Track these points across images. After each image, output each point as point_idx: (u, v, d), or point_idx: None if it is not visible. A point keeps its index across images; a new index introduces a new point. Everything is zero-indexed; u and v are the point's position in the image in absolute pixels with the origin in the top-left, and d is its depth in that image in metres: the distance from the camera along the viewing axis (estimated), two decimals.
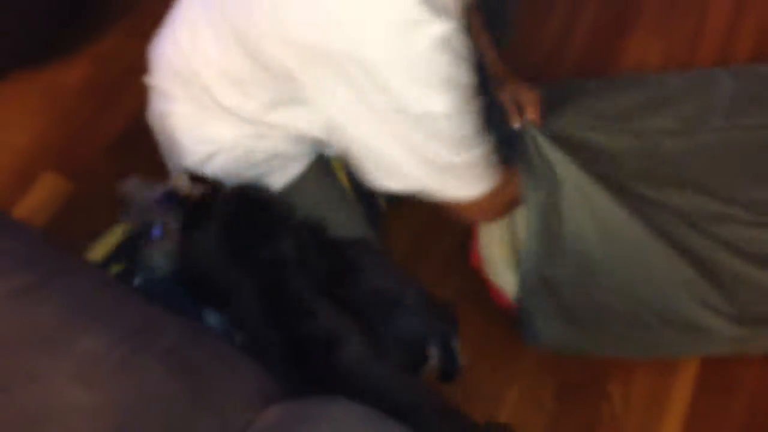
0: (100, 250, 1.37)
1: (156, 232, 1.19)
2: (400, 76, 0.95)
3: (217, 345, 1.05)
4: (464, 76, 0.99)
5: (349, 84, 0.98)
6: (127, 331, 0.99)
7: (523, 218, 1.38)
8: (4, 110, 1.75)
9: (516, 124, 1.41)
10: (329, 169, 1.38)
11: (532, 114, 1.42)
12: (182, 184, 1.21)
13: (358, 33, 0.94)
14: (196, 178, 1.23)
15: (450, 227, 1.60)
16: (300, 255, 1.14)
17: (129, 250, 1.39)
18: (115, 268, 1.31)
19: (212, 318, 1.26)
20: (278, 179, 1.31)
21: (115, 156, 1.69)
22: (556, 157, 1.36)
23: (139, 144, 1.67)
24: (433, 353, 1.21)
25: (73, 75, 1.78)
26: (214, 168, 1.28)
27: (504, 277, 1.42)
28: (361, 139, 1.08)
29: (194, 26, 1.19)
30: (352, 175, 1.36)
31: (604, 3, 1.95)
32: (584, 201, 1.36)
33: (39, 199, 1.62)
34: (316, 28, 0.96)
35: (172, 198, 1.21)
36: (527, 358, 1.46)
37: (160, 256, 1.21)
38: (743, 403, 1.42)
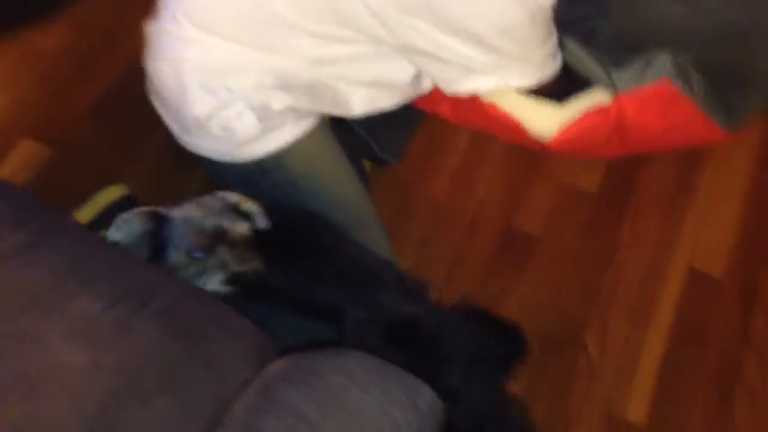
0: (87, 212, 1.38)
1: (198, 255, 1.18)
2: None
3: (213, 305, 1.04)
4: None
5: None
6: (122, 292, 0.99)
7: None
8: None
9: None
10: (329, 129, 1.39)
11: None
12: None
13: None
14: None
15: (431, 187, 1.63)
16: None
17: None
18: (103, 232, 1.32)
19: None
20: (287, 134, 1.30)
21: (95, 121, 1.66)
22: None
23: (120, 109, 1.66)
24: None
25: (51, 39, 1.74)
26: (224, 120, 1.26)
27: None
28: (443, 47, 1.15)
29: None
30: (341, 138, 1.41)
31: None
32: None
33: (17, 166, 1.60)
34: None
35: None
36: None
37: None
38: (715, 353, 1.48)
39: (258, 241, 1.18)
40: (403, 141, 1.55)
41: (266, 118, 1.26)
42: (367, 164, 1.55)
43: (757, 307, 1.52)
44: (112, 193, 1.43)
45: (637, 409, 1.42)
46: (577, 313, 1.51)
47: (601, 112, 1.39)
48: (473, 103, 1.37)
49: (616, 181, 1.64)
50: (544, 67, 1.26)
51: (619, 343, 1.49)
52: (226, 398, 0.96)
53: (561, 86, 1.32)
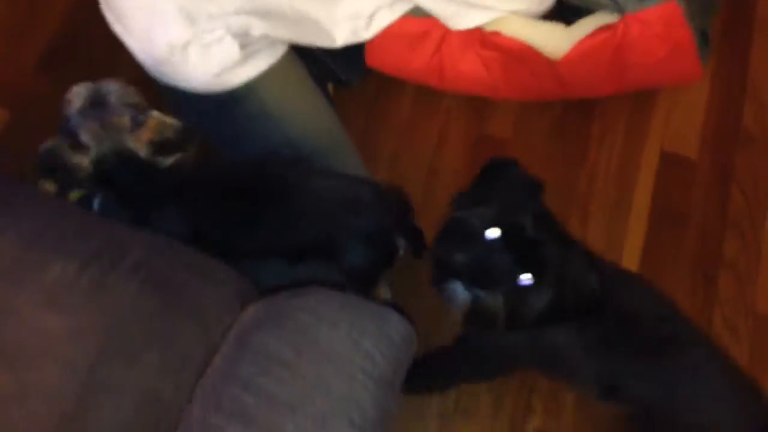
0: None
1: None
2: None
3: (186, 253, 1.04)
4: None
5: None
6: (93, 253, 0.98)
7: None
8: None
9: None
10: (295, 56, 1.38)
11: None
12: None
13: None
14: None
15: (396, 103, 1.60)
16: None
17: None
18: (74, 195, 1.29)
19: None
20: (262, 62, 1.29)
21: (48, 73, 1.59)
22: None
23: (72, 54, 1.59)
24: (401, 242, 1.25)
25: None
26: (203, 46, 1.23)
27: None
28: None
29: None
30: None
31: None
32: None
33: None
34: None
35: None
36: None
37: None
38: (695, 234, 1.50)
39: (223, 195, 1.18)
40: (363, 62, 1.51)
41: (245, 45, 1.24)
42: (330, 87, 1.52)
43: (734, 184, 1.53)
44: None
45: None
46: (556, 212, 1.51)
47: (609, 28, 1.40)
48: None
49: None
50: None
51: (600, 236, 1.49)
52: (213, 344, 0.97)
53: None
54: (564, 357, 1.12)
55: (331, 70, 1.50)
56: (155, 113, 1.20)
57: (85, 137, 1.16)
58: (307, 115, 1.34)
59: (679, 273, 1.46)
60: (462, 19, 1.33)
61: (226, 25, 1.21)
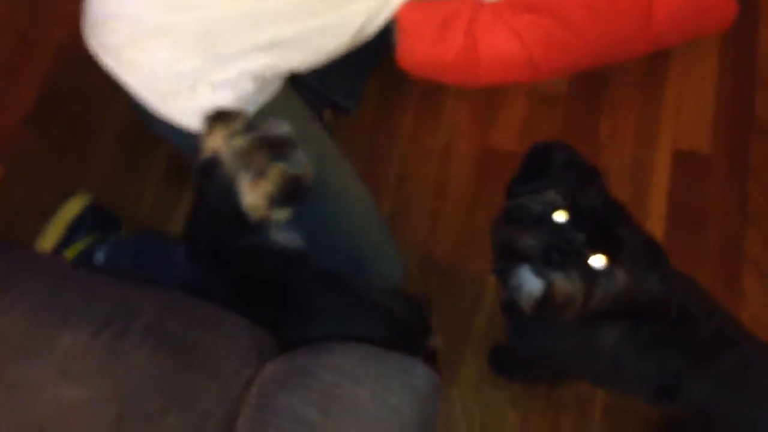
0: (52, 233, 1.32)
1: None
2: None
3: (198, 308, 1.02)
4: None
5: None
6: (103, 318, 0.96)
7: None
8: None
9: None
10: (291, 90, 1.34)
11: None
12: None
13: None
14: None
15: (397, 124, 1.57)
16: None
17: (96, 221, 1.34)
18: (74, 250, 1.27)
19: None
20: (261, 97, 1.25)
21: (36, 130, 1.58)
22: None
23: (58, 110, 1.58)
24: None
25: None
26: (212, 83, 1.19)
27: None
28: None
29: None
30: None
31: None
32: None
33: None
34: None
35: None
36: None
37: None
38: (715, 233, 1.46)
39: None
40: (359, 86, 1.49)
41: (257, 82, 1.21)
42: (328, 114, 1.49)
43: (751, 177, 1.49)
44: (76, 204, 1.37)
45: None
46: None
47: None
48: None
49: (585, 76, 1.58)
50: None
51: None
52: (233, 399, 0.95)
53: None
54: (618, 359, 1.07)
55: (328, 99, 1.48)
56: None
57: None
58: (312, 136, 1.31)
59: (703, 274, 1.41)
60: None
61: (242, 64, 1.18)
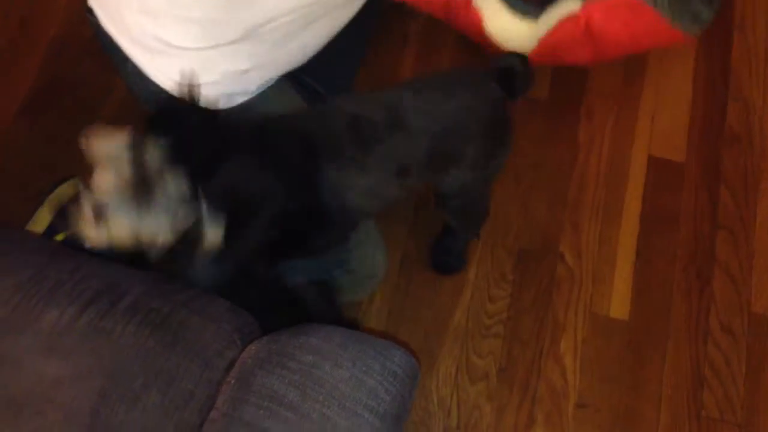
0: (44, 214, 1.34)
1: None
2: None
3: (183, 291, 1.03)
4: None
5: None
6: (89, 296, 0.97)
7: None
8: None
9: None
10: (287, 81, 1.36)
11: None
12: None
13: None
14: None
15: None
16: None
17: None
18: (60, 236, 1.28)
19: None
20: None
21: (29, 120, 1.59)
22: None
23: (55, 99, 1.60)
24: None
25: None
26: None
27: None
28: None
29: None
30: None
31: None
32: None
33: None
34: None
35: None
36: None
37: None
38: (687, 236, 1.51)
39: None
40: (347, 84, 1.51)
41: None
42: None
43: (722, 184, 1.54)
44: (67, 190, 1.38)
45: (619, 305, 1.46)
46: (547, 223, 1.52)
47: (571, 19, 1.42)
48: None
49: (565, 83, 1.63)
50: None
51: (593, 244, 1.51)
52: (216, 381, 0.96)
53: None
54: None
55: (316, 92, 1.50)
56: None
57: None
58: None
59: (674, 275, 1.47)
60: None
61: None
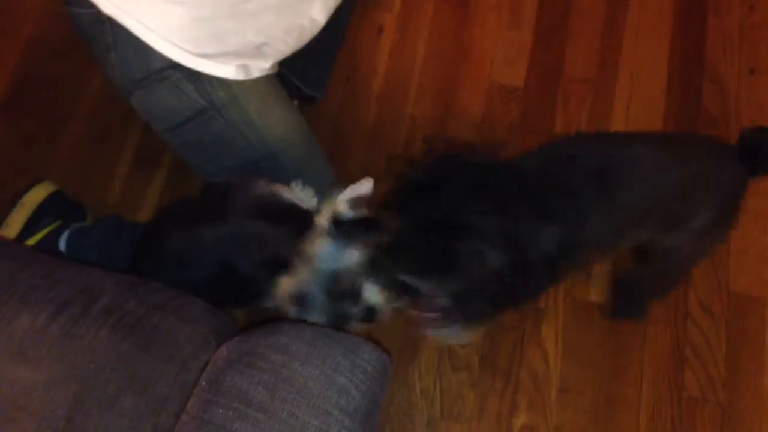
0: (17, 218, 1.33)
1: None
2: None
3: (157, 293, 1.03)
4: None
5: None
6: (61, 300, 0.97)
7: None
8: None
9: None
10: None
11: None
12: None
13: None
14: None
15: (360, 115, 1.60)
16: None
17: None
18: (37, 237, 1.28)
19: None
20: (256, 69, 1.27)
21: (6, 117, 1.58)
22: None
23: (25, 102, 1.59)
24: None
25: None
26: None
27: None
28: None
29: None
30: None
31: None
32: None
33: None
34: None
35: None
36: None
37: None
38: None
39: None
40: (324, 76, 1.51)
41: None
42: (295, 104, 1.52)
43: None
44: (39, 193, 1.38)
45: (599, 289, 1.47)
46: None
47: None
48: None
49: (541, 69, 1.62)
50: None
51: None
52: (191, 383, 0.95)
53: None
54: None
55: (297, 87, 1.50)
56: None
57: None
58: (286, 125, 1.33)
59: None
60: None
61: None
